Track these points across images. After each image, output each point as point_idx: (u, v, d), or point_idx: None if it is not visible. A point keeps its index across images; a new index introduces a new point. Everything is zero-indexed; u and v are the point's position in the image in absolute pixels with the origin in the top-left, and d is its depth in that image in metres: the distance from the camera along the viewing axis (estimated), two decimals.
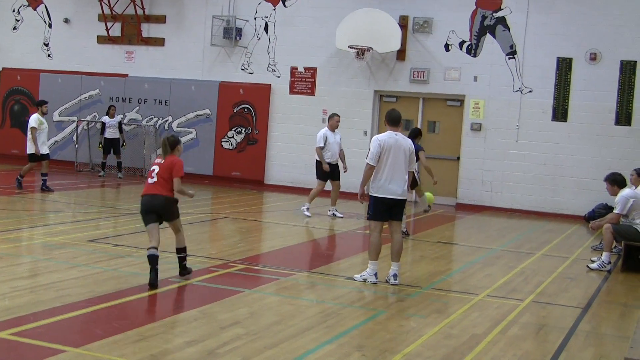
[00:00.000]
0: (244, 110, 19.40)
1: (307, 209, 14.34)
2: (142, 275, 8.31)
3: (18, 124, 21.30)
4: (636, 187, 11.20)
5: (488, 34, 17.44)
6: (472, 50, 17.57)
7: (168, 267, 8.65)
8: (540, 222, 16.08)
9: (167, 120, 20.05)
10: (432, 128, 18.25)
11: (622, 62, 16.52)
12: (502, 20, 17.33)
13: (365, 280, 8.96)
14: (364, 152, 10.89)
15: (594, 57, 16.66)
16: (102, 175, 19.23)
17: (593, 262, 10.96)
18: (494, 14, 17.38)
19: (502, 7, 17.32)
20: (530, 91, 17.15)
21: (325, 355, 6.22)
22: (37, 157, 15.33)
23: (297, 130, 18.83)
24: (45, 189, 15.36)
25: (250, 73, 19.43)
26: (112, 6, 20.40)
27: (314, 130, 16.00)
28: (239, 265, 9.51)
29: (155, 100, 20.14)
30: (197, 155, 19.55)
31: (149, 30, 20.50)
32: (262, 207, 16.48)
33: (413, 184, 12.39)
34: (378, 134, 9.96)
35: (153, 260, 8.01)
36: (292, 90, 19.04)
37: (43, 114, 15.49)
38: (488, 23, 17.42)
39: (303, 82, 18.92)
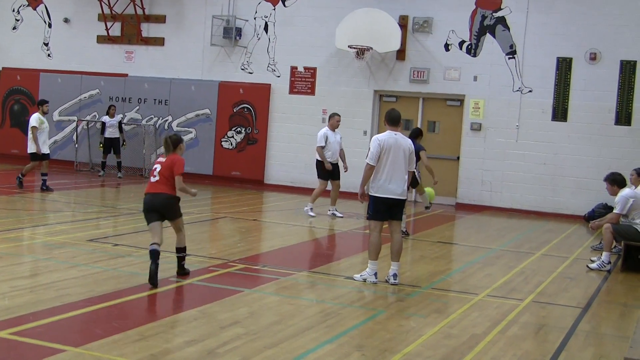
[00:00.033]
0: (244, 110, 19.40)
1: (311, 209, 14.36)
2: (142, 275, 8.31)
3: (18, 124, 21.31)
4: (636, 187, 11.19)
5: (488, 34, 17.44)
6: (472, 50, 17.57)
7: (168, 267, 8.65)
8: (540, 222, 16.07)
9: (167, 120, 20.05)
10: (432, 128, 18.25)
11: (622, 62, 16.52)
12: (502, 20, 17.32)
13: (365, 280, 8.96)
14: (364, 151, 10.89)
15: (593, 57, 16.66)
16: (102, 175, 19.23)
17: (593, 262, 10.97)
18: (493, 14, 17.38)
19: (502, 7, 17.31)
20: (530, 91, 17.15)
21: (325, 355, 6.22)
22: (38, 157, 15.34)
23: (297, 130, 18.83)
24: (45, 188, 15.37)
25: (250, 73, 19.43)
26: (112, 6, 20.39)
27: (314, 130, 16.01)
28: (238, 265, 9.51)
29: (155, 100, 20.14)
30: (197, 155, 19.54)
31: (148, 30, 20.50)
32: (262, 207, 16.48)
33: (413, 183, 12.38)
34: (378, 133, 9.96)
35: (154, 254, 8.02)
36: (292, 90, 19.04)
37: (44, 113, 15.49)
38: (488, 23, 17.42)
39: (303, 82, 18.92)
